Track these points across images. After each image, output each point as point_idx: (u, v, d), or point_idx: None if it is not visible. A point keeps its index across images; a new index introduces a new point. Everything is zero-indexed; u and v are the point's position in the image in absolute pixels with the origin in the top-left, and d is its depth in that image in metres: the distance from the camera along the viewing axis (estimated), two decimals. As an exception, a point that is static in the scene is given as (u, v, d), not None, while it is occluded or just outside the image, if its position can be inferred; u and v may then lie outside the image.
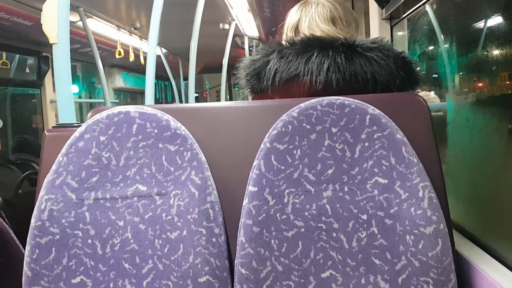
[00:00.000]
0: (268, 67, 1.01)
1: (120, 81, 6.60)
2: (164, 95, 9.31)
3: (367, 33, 2.21)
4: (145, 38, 5.19)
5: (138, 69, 6.26)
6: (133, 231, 0.83)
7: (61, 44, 1.15)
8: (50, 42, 1.14)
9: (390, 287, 0.79)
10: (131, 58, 5.02)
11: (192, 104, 0.98)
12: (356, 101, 0.83)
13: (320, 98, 0.84)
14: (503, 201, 1.00)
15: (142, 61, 5.33)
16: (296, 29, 1.16)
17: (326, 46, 0.98)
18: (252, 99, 1.10)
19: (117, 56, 4.65)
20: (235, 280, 0.81)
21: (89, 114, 0.92)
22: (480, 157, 1.13)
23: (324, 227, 0.81)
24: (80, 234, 0.82)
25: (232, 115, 0.93)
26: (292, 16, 1.18)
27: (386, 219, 0.80)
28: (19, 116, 4.69)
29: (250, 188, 0.82)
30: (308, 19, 1.13)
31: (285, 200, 0.82)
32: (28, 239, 0.81)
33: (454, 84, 1.37)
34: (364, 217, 0.81)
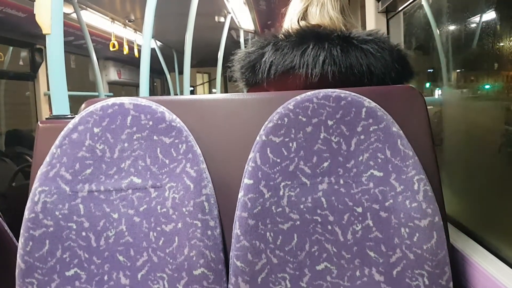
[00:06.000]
0: (263, 59, 1.00)
1: (114, 74, 6.55)
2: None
3: (363, 26, 2.21)
4: (139, 31, 5.15)
5: (132, 62, 6.21)
6: (127, 223, 0.83)
7: (54, 35, 1.14)
8: (44, 32, 1.13)
9: (385, 280, 0.79)
10: (125, 51, 4.99)
11: (187, 96, 0.97)
12: (352, 93, 0.83)
13: (316, 91, 0.84)
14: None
15: (136, 54, 5.29)
16: (305, 13, 1.14)
17: (321, 38, 0.97)
18: (247, 92, 1.10)
19: (111, 49, 4.61)
20: (230, 272, 0.81)
21: (83, 105, 0.91)
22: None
23: (319, 220, 0.81)
24: (74, 227, 0.81)
25: (227, 108, 0.92)
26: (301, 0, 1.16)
27: (381, 212, 0.80)
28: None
29: (246, 180, 0.81)
30: (320, 5, 1.12)
31: (281, 193, 0.81)
32: (21, 231, 0.80)
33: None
34: (359, 209, 0.81)
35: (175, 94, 7.52)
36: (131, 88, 7.75)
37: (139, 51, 5.20)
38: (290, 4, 1.18)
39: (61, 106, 1.14)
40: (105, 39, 4.89)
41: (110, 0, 4.07)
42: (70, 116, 1.06)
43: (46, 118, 1.02)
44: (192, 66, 3.68)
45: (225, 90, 8.53)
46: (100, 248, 0.82)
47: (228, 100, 0.93)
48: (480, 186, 1.13)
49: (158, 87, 9.30)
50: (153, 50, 4.89)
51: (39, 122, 0.93)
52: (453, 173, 1.30)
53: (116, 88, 7.06)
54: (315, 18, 1.11)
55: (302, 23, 1.11)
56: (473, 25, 1.17)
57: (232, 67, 1.10)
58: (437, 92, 1.68)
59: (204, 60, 7.51)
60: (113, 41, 4.61)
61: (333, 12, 1.10)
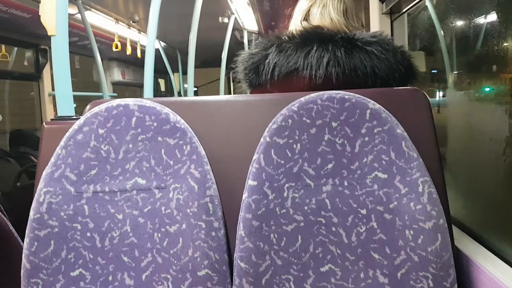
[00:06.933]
0: (267, 61, 1.00)
1: (118, 74, 6.56)
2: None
3: (366, 27, 2.21)
4: (143, 31, 5.16)
5: (136, 62, 6.22)
6: (132, 224, 0.83)
7: (59, 36, 1.14)
8: (49, 34, 1.13)
9: (389, 282, 0.79)
10: (128, 51, 5.00)
11: (191, 97, 0.98)
12: (357, 95, 0.83)
13: (321, 92, 0.84)
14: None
15: (139, 54, 5.29)
16: (307, 13, 1.14)
17: (325, 40, 0.97)
18: (250, 93, 1.10)
19: (114, 49, 4.63)
20: (234, 274, 0.81)
21: (88, 106, 0.91)
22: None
23: (323, 222, 0.81)
24: (79, 227, 0.82)
25: (232, 109, 0.92)
26: (305, 0, 1.17)
27: (385, 214, 0.80)
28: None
29: (250, 182, 0.81)
30: (321, 6, 1.12)
31: (285, 194, 0.81)
32: (26, 231, 0.81)
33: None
34: (364, 211, 0.81)
35: (179, 93, 7.53)
36: (135, 89, 7.77)
37: (142, 52, 5.21)
38: (297, 4, 1.18)
39: (66, 107, 1.14)
40: (109, 39, 4.90)
41: (114, 0, 4.07)
42: (75, 117, 1.07)
43: (51, 119, 1.02)
44: (195, 66, 3.68)
45: (228, 91, 8.50)
46: (105, 249, 0.82)
47: (232, 102, 0.93)
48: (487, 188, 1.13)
49: (162, 87, 9.33)
50: (157, 50, 4.89)
51: (44, 123, 0.94)
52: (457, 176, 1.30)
53: (120, 88, 7.08)
54: (316, 19, 1.11)
55: (304, 23, 1.11)
56: (478, 26, 1.17)
57: (235, 68, 1.10)
58: (438, 94, 1.67)
59: (207, 60, 7.51)
60: (116, 41, 4.62)
61: (334, 14, 1.10)
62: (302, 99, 0.83)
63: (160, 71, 7.41)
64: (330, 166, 0.82)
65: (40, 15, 1.14)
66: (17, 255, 0.85)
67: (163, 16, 2.47)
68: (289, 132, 0.82)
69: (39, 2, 1.17)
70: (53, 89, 4.40)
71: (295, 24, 1.14)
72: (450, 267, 0.78)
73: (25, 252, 0.80)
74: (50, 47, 1.16)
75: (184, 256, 0.81)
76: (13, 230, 1.15)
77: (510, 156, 0.96)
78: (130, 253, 0.83)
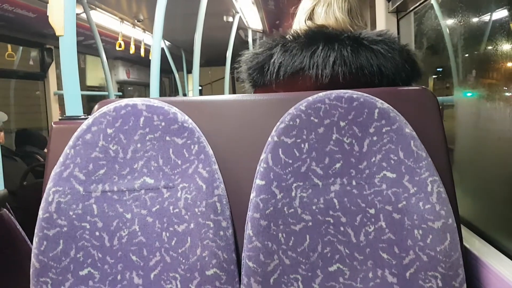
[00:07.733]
0: (272, 60, 0.99)
1: (123, 73, 6.58)
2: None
3: (372, 26, 2.20)
4: (148, 31, 5.17)
5: (141, 61, 6.23)
6: (140, 223, 0.83)
7: (67, 36, 1.15)
8: (57, 34, 1.14)
9: (398, 282, 0.79)
10: (132, 50, 5.00)
11: (199, 97, 0.98)
12: (365, 94, 0.83)
13: (328, 92, 0.83)
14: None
15: (142, 53, 5.30)
16: (312, 12, 1.13)
17: (331, 39, 0.97)
18: (254, 92, 1.09)
19: (117, 48, 4.64)
20: (242, 273, 0.81)
21: (96, 106, 0.92)
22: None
23: (331, 221, 0.81)
24: (88, 227, 0.82)
25: (239, 108, 0.92)
26: None
27: (394, 214, 0.80)
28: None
29: (258, 181, 0.81)
30: (326, 5, 1.11)
31: (293, 194, 0.81)
32: (36, 231, 0.81)
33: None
34: (372, 211, 0.81)
35: (183, 93, 7.54)
36: (140, 88, 7.79)
37: (146, 51, 5.23)
38: (301, 3, 1.18)
39: (74, 107, 1.15)
40: (113, 39, 4.91)
41: (119, 0, 4.09)
42: (83, 117, 1.07)
43: (60, 119, 1.02)
44: (200, 65, 3.68)
45: (233, 91, 8.48)
46: (114, 248, 0.83)
47: (239, 101, 0.93)
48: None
49: (167, 86, 9.36)
50: (161, 49, 4.90)
51: (52, 123, 0.94)
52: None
53: (125, 88, 7.10)
54: (320, 18, 1.10)
55: (309, 23, 1.11)
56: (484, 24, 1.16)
57: (239, 68, 1.10)
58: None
59: (212, 59, 7.52)
60: (120, 40, 4.63)
61: (339, 13, 1.10)
62: (310, 98, 0.83)
63: (164, 70, 7.43)
64: (338, 165, 0.82)
65: (47, 15, 1.15)
66: (25, 253, 0.86)
67: (168, 15, 2.47)
68: (297, 131, 0.82)
69: (45, 2, 1.17)
70: (58, 88, 4.43)
71: (299, 23, 1.14)
72: (459, 267, 0.77)
73: (34, 251, 0.81)
74: (55, 47, 1.16)
75: (192, 255, 0.81)
76: (21, 229, 1.16)
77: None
78: (138, 252, 0.83)
